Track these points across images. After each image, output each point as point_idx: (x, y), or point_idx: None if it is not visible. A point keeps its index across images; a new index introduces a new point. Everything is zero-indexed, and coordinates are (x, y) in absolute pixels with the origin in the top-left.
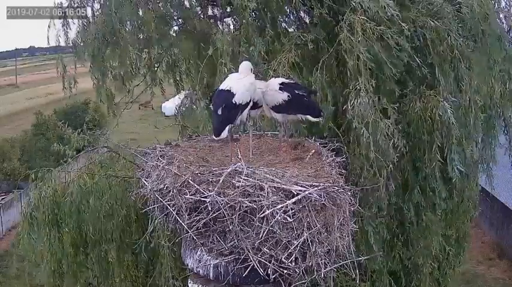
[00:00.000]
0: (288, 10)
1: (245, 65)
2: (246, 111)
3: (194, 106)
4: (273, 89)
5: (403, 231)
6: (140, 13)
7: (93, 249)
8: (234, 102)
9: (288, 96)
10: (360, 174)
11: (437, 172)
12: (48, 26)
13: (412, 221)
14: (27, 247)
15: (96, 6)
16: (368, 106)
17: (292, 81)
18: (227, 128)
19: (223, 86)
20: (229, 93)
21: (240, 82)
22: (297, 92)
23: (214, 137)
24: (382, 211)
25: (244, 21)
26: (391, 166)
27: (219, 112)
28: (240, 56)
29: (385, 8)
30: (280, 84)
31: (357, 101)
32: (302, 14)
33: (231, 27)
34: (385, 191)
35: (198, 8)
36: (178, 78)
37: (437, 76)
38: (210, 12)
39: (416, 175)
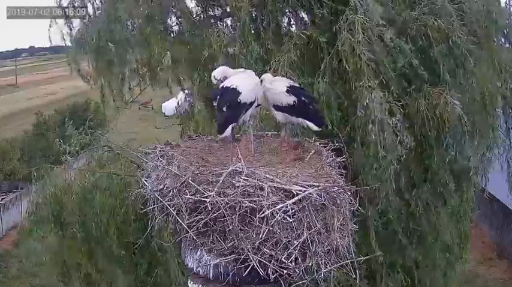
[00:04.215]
0: (286, 10)
1: (220, 71)
2: (250, 111)
3: (195, 106)
4: (278, 90)
5: (410, 228)
6: (140, 11)
7: (96, 247)
8: (239, 100)
9: (294, 101)
10: (362, 172)
11: (447, 168)
12: (50, 26)
13: (419, 218)
14: (32, 243)
15: (97, 5)
16: (380, 102)
17: (297, 85)
18: (230, 126)
19: (228, 84)
20: (235, 92)
21: (245, 81)
22: (303, 98)
23: (218, 135)
24: (390, 208)
25: (239, 22)
26: (395, 164)
27: (224, 110)
28: (237, 57)
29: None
30: (288, 87)
31: (371, 98)
32: (302, 13)
33: (231, 27)
34: (393, 188)
35: (198, 8)
36: (181, 78)
37: (442, 74)
38: (210, 12)
39: (424, 172)
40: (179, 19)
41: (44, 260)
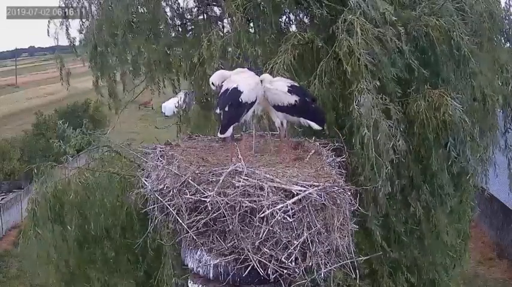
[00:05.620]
0: (285, 11)
1: (218, 75)
2: (251, 110)
3: (192, 106)
4: (279, 90)
5: (411, 229)
6: (140, 11)
7: (96, 247)
8: (240, 100)
9: (295, 101)
10: (360, 173)
11: (445, 169)
12: (48, 22)
13: (419, 219)
14: (32, 242)
15: (95, 7)
16: (371, 105)
17: (297, 85)
18: (232, 126)
19: (229, 84)
20: (237, 91)
21: (247, 81)
22: (305, 97)
23: (219, 135)
24: (381, 210)
25: (236, 24)
26: (389, 167)
27: (226, 109)
28: (232, 59)
29: (384, 12)
30: (289, 87)
31: (361, 101)
32: (300, 14)
33: (230, 27)
34: (384, 190)
35: (198, 8)
36: (175, 79)
37: (442, 74)
38: (209, 12)
39: (423, 173)
40: (178, 19)
41: (43, 258)
